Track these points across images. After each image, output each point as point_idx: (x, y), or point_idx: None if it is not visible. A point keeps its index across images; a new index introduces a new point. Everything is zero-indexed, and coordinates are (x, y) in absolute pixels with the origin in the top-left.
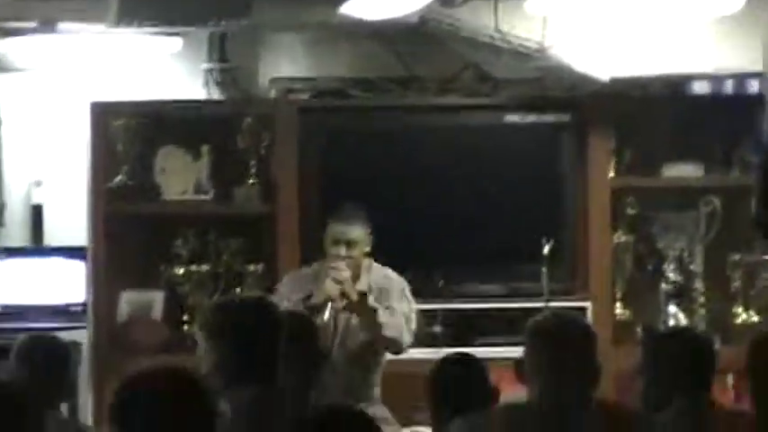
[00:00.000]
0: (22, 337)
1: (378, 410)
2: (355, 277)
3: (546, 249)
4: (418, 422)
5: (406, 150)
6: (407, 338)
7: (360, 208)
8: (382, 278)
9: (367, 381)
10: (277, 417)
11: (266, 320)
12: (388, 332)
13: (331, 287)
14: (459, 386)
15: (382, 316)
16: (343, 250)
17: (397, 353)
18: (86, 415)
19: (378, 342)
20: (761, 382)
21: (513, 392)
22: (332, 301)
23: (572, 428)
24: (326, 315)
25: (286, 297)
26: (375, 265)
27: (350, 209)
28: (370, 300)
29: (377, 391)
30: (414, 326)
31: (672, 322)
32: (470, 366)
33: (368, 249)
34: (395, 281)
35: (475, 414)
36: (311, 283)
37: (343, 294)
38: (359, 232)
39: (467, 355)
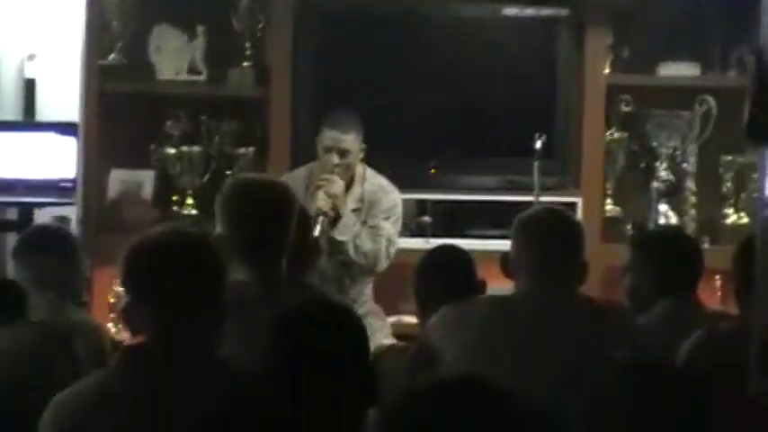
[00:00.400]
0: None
1: (368, 307)
2: (347, 185)
3: (538, 143)
4: (405, 312)
5: (403, 38)
6: (383, 264)
7: (354, 113)
8: (376, 189)
9: (358, 286)
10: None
11: (283, 202)
12: (361, 260)
13: (323, 201)
14: (445, 277)
15: (359, 243)
16: (335, 158)
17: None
18: None
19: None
20: (744, 282)
21: (500, 286)
22: (323, 214)
23: (555, 322)
24: (317, 229)
25: None
26: (370, 172)
27: (344, 115)
28: (348, 220)
29: (369, 290)
30: (394, 249)
31: (662, 221)
32: (457, 257)
33: (361, 156)
34: (388, 194)
35: (460, 303)
36: (302, 189)
37: (335, 208)
38: (353, 140)
39: (454, 246)
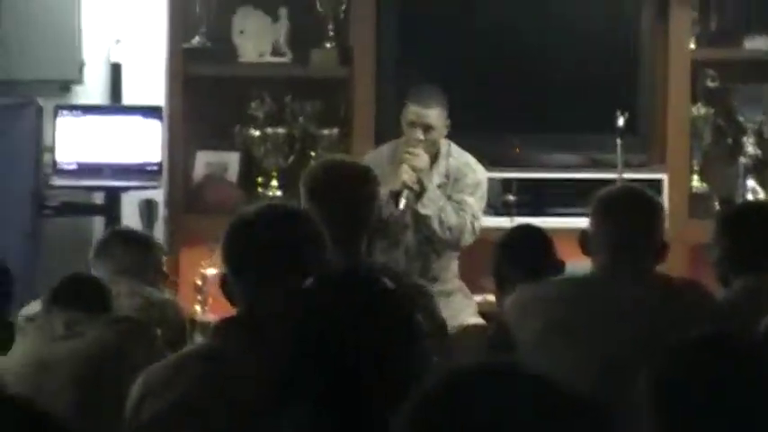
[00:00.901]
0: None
1: (453, 285)
2: (432, 160)
3: (621, 120)
4: (490, 290)
5: (485, 15)
6: (468, 240)
7: (437, 89)
8: (462, 165)
9: (443, 262)
10: None
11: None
12: (446, 234)
13: (408, 174)
14: (522, 257)
15: (444, 217)
16: (420, 133)
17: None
18: None
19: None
20: None
21: (581, 263)
22: (408, 188)
23: (630, 302)
24: (402, 203)
25: None
26: (455, 148)
27: (428, 90)
28: (433, 193)
29: (454, 267)
30: (479, 224)
31: (749, 196)
32: (535, 237)
33: (445, 132)
34: (473, 171)
35: (536, 284)
36: (387, 165)
37: (419, 182)
38: (437, 115)
39: (533, 226)
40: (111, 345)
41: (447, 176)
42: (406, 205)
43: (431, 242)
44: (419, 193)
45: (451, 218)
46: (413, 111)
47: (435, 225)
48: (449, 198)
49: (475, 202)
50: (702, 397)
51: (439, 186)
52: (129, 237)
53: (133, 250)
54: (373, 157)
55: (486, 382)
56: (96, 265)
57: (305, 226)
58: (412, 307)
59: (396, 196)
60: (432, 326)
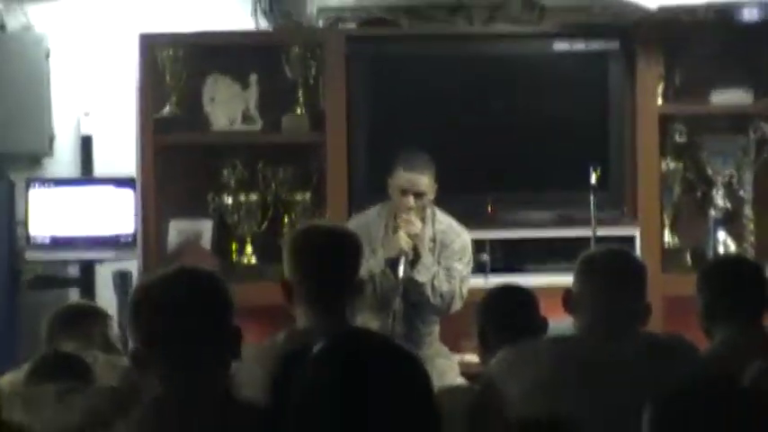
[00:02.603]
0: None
1: (435, 348)
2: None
3: (593, 177)
4: (467, 349)
5: (454, 79)
6: (458, 305)
7: (426, 155)
8: (446, 228)
9: (428, 328)
10: None
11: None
12: (438, 301)
13: (404, 241)
14: (507, 316)
15: (437, 284)
16: (411, 200)
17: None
18: None
19: (425, 305)
20: None
21: (559, 319)
22: (405, 254)
23: (617, 362)
24: (401, 270)
25: None
26: (439, 212)
27: (419, 156)
28: (427, 260)
29: (437, 331)
30: (467, 288)
31: (721, 249)
32: (519, 297)
33: (432, 197)
34: (458, 235)
35: (522, 345)
36: (381, 230)
37: (414, 249)
38: (428, 182)
39: (516, 286)
40: (104, 414)
41: (433, 241)
42: (403, 271)
43: (418, 308)
44: (414, 260)
45: (443, 285)
46: (405, 177)
47: (428, 292)
48: (438, 264)
49: (463, 267)
50: None
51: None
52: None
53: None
54: (359, 220)
55: None
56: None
57: (212, 292)
58: (418, 373)
59: (393, 264)
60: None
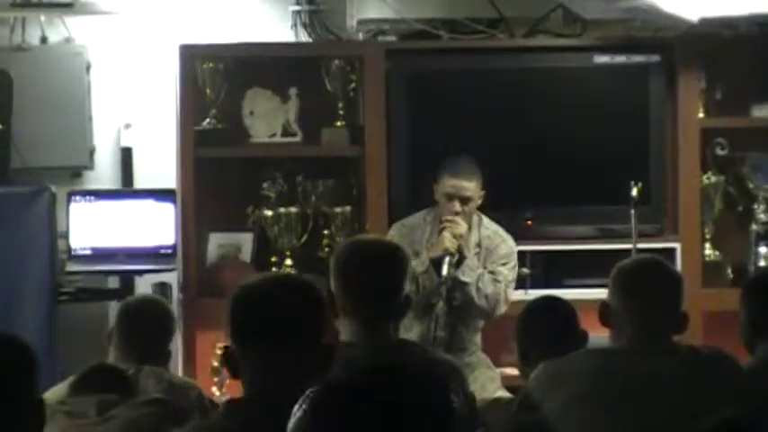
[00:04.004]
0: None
1: (477, 357)
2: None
3: (634, 191)
4: (506, 363)
5: (494, 92)
6: (502, 309)
7: (473, 161)
8: (492, 234)
9: (471, 335)
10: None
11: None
12: (482, 303)
13: (449, 241)
14: (547, 329)
15: (481, 285)
16: (457, 206)
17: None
18: (176, 356)
19: (470, 308)
20: None
21: (598, 334)
22: (450, 255)
23: (656, 374)
24: (445, 269)
25: None
26: (485, 219)
27: (465, 162)
28: (472, 261)
29: (479, 339)
30: (511, 292)
31: (762, 263)
32: (560, 310)
33: (479, 203)
34: (504, 241)
35: (561, 358)
36: (420, 234)
37: (459, 250)
38: (474, 188)
39: (556, 298)
40: (146, 427)
41: (479, 246)
42: (448, 271)
43: (462, 312)
44: (459, 261)
45: (488, 286)
46: (451, 184)
47: (473, 292)
48: (483, 268)
49: (509, 272)
50: None
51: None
52: (152, 316)
53: (156, 331)
54: (405, 223)
55: None
56: (118, 337)
57: (311, 296)
58: (446, 390)
59: (437, 264)
60: (463, 402)
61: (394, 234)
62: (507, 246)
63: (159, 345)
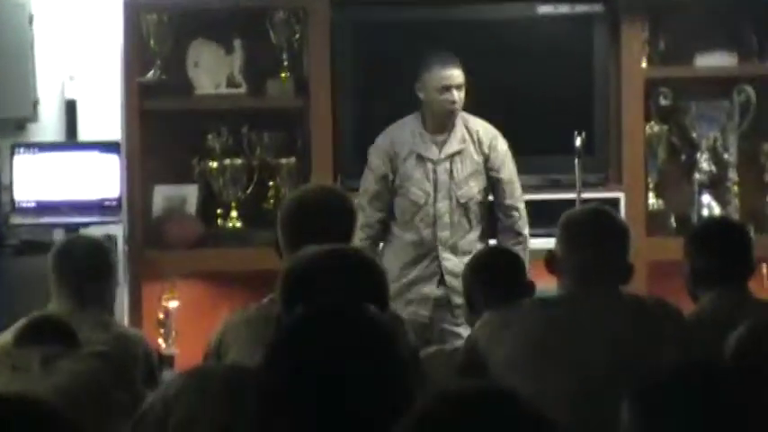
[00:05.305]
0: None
1: None
2: (450, 128)
3: (578, 141)
4: None
5: (438, 43)
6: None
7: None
8: (483, 129)
9: (472, 235)
10: None
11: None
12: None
13: None
14: (493, 279)
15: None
16: (455, 94)
17: None
18: (122, 308)
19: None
20: None
21: (544, 283)
22: None
23: (601, 323)
24: None
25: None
26: (469, 116)
27: (445, 53)
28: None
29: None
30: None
31: (705, 212)
32: (505, 259)
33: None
34: (497, 137)
35: (506, 307)
36: (417, 137)
37: None
38: (462, 74)
39: (502, 248)
40: (93, 379)
41: (469, 139)
42: None
43: (465, 211)
44: None
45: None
46: (443, 75)
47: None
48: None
49: (512, 168)
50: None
51: (458, 153)
52: (91, 259)
53: (96, 275)
54: (395, 130)
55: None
56: (55, 281)
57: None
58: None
59: None
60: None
61: (380, 141)
62: (503, 141)
63: (99, 286)
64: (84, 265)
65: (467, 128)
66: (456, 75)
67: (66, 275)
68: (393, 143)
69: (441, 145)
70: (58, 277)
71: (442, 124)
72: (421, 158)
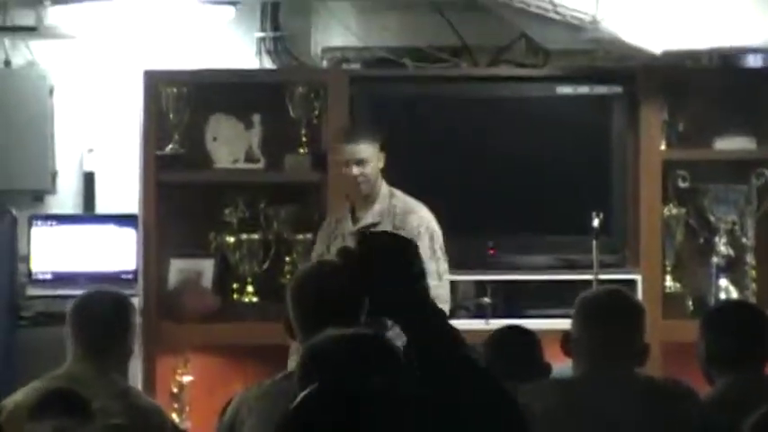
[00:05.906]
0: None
1: None
2: (369, 202)
3: (596, 221)
4: None
5: (457, 120)
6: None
7: (369, 125)
8: (402, 204)
9: None
10: None
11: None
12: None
13: None
14: (511, 359)
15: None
16: (355, 169)
17: None
18: (136, 380)
19: None
20: None
21: (561, 364)
22: None
23: (617, 405)
24: None
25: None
26: (398, 192)
27: (358, 127)
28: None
29: None
30: (446, 286)
31: (723, 295)
32: (522, 339)
33: (381, 166)
34: (413, 212)
35: (523, 388)
36: (328, 238)
37: None
38: (369, 149)
39: (520, 328)
40: None
41: (388, 213)
42: None
43: None
44: None
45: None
46: (344, 149)
47: None
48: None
49: (433, 264)
50: None
51: (371, 226)
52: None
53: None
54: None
55: None
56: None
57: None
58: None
59: None
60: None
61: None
62: (417, 216)
63: (116, 338)
64: (101, 317)
65: (390, 203)
66: (357, 150)
67: (85, 328)
68: (330, 221)
69: (357, 220)
70: (76, 332)
71: (358, 197)
72: (343, 233)
